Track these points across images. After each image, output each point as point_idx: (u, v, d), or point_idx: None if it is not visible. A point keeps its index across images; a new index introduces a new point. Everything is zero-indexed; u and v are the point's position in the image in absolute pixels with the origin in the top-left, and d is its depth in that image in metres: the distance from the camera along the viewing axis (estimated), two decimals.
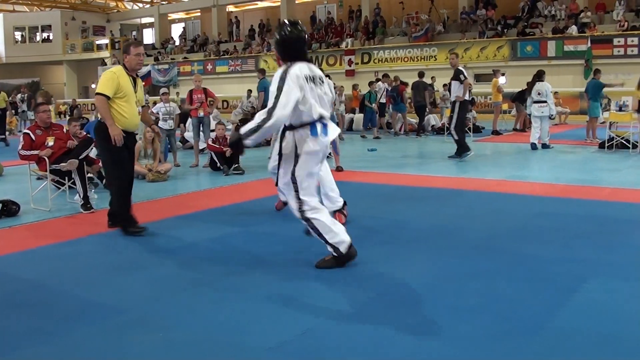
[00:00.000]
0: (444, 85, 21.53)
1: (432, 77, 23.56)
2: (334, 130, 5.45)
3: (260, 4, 42.59)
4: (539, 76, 15.44)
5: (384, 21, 34.76)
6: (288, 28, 5.40)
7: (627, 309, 4.46)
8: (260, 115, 5.07)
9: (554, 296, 4.73)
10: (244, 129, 5.12)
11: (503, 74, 22.01)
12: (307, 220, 5.34)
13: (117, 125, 6.78)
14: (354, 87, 24.58)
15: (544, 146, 15.04)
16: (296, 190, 5.29)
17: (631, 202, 8.40)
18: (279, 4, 39.31)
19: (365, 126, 19.92)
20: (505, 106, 21.09)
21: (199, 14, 45.63)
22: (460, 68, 13.44)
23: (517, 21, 30.11)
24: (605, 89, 16.97)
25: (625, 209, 7.99)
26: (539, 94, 15.14)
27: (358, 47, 33.54)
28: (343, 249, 5.40)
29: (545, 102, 15.03)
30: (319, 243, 5.43)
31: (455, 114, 13.25)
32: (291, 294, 4.86)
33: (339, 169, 11.44)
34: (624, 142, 14.34)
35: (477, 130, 19.72)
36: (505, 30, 29.95)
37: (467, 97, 13.48)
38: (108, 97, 6.77)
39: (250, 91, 24.98)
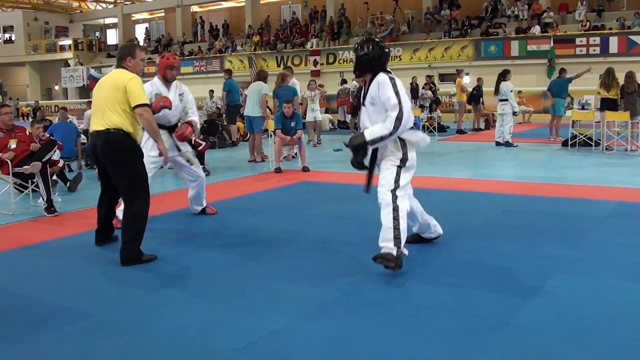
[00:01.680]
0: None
1: (413, 77, 23.80)
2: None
3: (225, 4, 42.40)
4: (504, 75, 15.62)
5: (349, 22, 34.81)
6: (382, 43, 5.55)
7: (591, 304, 4.52)
8: (390, 123, 5.11)
9: (518, 292, 4.79)
10: (371, 135, 5.20)
11: (467, 74, 22.20)
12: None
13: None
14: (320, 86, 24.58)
15: (507, 144, 15.21)
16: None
17: (594, 198, 8.50)
18: (243, 4, 39.16)
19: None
20: (469, 106, 21.29)
21: (163, 14, 45.27)
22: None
23: (480, 21, 30.36)
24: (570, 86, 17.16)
25: (589, 205, 8.09)
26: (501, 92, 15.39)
27: (323, 47, 33.56)
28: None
29: (506, 100, 15.24)
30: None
31: None
32: (257, 295, 4.85)
33: (305, 169, 11.45)
34: (587, 140, 14.54)
35: (442, 129, 19.85)
36: (469, 30, 30.19)
37: None
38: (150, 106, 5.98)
39: (212, 91, 24.80)
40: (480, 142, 16.81)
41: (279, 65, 32.39)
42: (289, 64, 32.46)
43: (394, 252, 5.13)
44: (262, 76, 13.74)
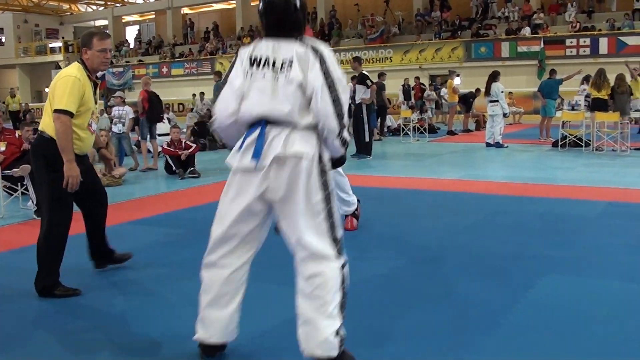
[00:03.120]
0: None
1: (405, 79, 23.85)
2: None
3: (216, 6, 42.34)
4: (494, 77, 15.69)
5: (340, 23, 34.86)
6: None
7: (581, 304, 4.53)
8: None
9: (509, 292, 4.80)
10: None
11: (458, 75, 22.26)
12: None
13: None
14: None
15: (498, 145, 15.26)
16: None
17: (584, 199, 8.53)
18: (234, 6, 39.13)
19: None
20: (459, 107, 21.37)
21: (153, 16, 45.19)
22: (365, 73, 13.78)
23: (471, 23, 30.43)
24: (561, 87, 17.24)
25: (579, 206, 8.11)
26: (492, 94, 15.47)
27: None
28: None
29: (497, 101, 15.31)
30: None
31: (364, 116, 13.54)
32: (249, 296, 4.82)
33: None
34: (577, 140, 14.59)
35: (432, 130, 19.89)
36: (460, 31, 30.26)
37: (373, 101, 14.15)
38: (72, 115, 4.82)
39: (202, 94, 24.74)
40: (470, 143, 16.86)
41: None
42: None
43: None
44: None
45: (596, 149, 14.11)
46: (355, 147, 13.52)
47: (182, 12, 42.97)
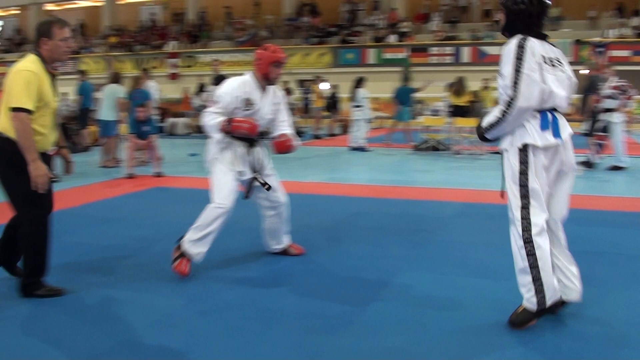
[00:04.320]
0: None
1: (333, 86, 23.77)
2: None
3: (82, 4, 40.87)
4: (359, 83, 15.95)
5: (209, 25, 34.54)
6: None
7: (435, 300, 4.63)
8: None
9: (365, 291, 4.83)
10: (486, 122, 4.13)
11: (325, 81, 22.49)
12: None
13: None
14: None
15: (362, 149, 15.51)
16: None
17: (441, 200, 8.77)
18: (100, 4, 37.99)
19: None
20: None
21: (17, 11, 43.17)
22: (223, 74, 13.78)
23: (339, 29, 30.89)
24: (416, 94, 17.71)
25: (436, 207, 8.32)
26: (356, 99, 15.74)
27: (182, 50, 33.10)
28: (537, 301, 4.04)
29: (361, 106, 15.59)
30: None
31: None
32: (99, 307, 4.62)
33: (158, 175, 11.13)
34: (437, 144, 15.05)
35: (298, 134, 19.96)
36: (328, 37, 30.63)
37: None
38: (30, 112, 4.51)
39: (65, 94, 23.77)
40: (335, 147, 17.05)
41: (136, 68, 31.60)
42: (147, 66, 31.76)
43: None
44: (116, 79, 13.26)
45: (455, 153, 14.59)
46: None
47: (46, 8, 41.23)
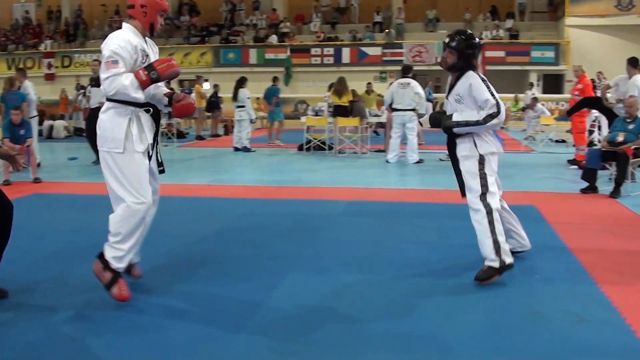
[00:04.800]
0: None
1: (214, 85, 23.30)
2: None
3: None
4: (241, 83, 15.86)
5: (86, 23, 33.50)
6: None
7: (322, 298, 4.65)
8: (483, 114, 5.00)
9: (255, 294, 4.78)
10: (462, 118, 5.09)
11: (206, 80, 22.26)
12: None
13: None
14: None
15: (246, 150, 15.44)
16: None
17: (327, 199, 8.82)
18: None
19: None
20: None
21: None
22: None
23: (220, 29, 30.66)
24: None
25: (322, 205, 8.37)
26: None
27: (58, 49, 31.98)
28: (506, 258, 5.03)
29: (243, 106, 15.53)
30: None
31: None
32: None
33: (36, 180, 10.63)
34: (321, 144, 15.17)
35: (181, 135, 19.68)
36: (209, 37, 30.36)
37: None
38: None
39: None
40: (219, 148, 16.89)
41: (9, 68, 30.24)
42: (21, 66, 30.49)
43: (495, 264, 4.98)
44: None
45: (339, 152, 14.76)
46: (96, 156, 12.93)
47: None
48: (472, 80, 5.06)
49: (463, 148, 5.14)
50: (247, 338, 3.96)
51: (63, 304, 4.57)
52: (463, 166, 5.14)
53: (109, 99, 4.50)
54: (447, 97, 5.35)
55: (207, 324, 4.21)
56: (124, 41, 4.44)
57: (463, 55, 5.12)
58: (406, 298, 4.66)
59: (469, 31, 5.32)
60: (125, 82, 4.31)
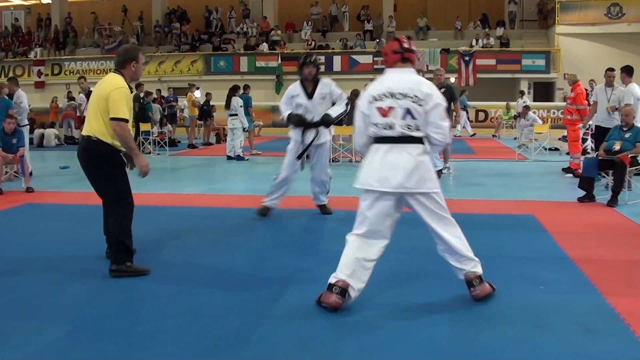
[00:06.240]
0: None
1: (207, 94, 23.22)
2: None
3: None
4: (234, 91, 15.79)
5: (75, 31, 33.40)
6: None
7: (321, 309, 4.54)
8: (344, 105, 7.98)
9: (256, 307, 4.72)
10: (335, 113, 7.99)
11: (198, 88, 22.17)
12: None
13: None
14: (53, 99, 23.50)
15: (239, 158, 15.37)
16: None
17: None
18: None
19: None
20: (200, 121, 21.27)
21: None
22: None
23: (210, 36, 30.62)
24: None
25: (317, 216, 8.37)
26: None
27: (48, 57, 31.84)
28: None
29: (236, 115, 15.44)
30: None
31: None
32: None
33: (29, 190, 10.51)
34: None
35: (173, 144, 19.58)
36: (199, 45, 30.31)
37: None
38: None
39: None
40: (212, 157, 16.82)
41: None
42: (11, 74, 30.33)
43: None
44: None
45: (333, 160, 14.68)
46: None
47: None
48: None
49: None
50: (248, 348, 3.93)
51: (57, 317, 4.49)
52: None
53: None
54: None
55: (209, 337, 4.16)
56: None
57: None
58: (410, 310, 4.63)
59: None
60: None
